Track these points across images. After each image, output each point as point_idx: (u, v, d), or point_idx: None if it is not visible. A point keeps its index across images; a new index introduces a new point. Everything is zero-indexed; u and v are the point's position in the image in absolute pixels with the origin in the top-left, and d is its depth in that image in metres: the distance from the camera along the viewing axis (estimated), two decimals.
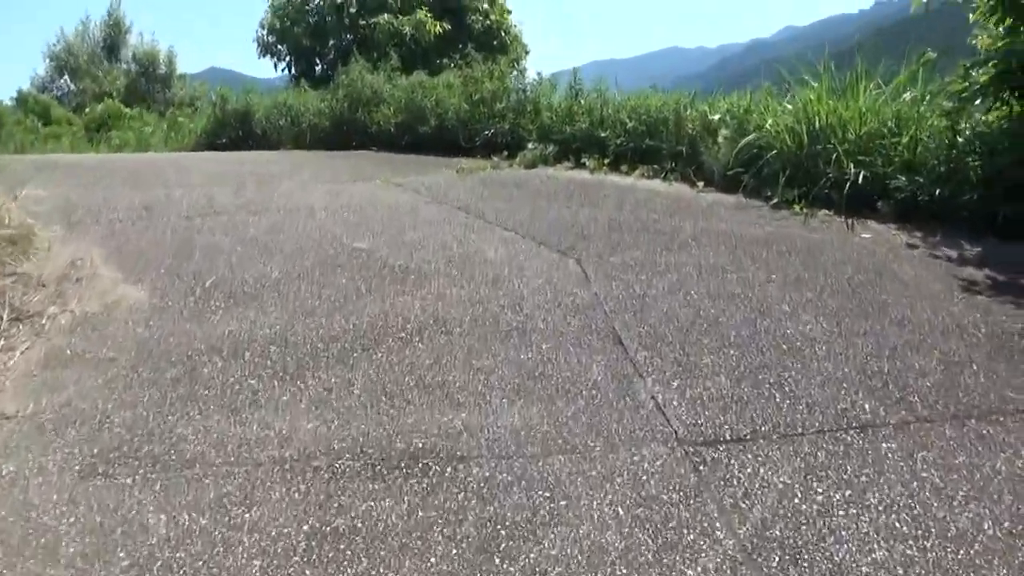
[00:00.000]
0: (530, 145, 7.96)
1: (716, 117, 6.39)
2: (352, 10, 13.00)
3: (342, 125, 10.35)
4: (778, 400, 2.22)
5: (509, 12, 14.77)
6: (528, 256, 3.81)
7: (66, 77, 36.77)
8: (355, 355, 2.54)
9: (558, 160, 7.62)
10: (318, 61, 15.42)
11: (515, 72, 9.88)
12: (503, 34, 14.32)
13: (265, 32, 14.95)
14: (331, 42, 14.04)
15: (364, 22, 13.09)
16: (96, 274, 3.29)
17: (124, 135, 12.65)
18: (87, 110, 19.17)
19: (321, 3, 14.02)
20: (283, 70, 15.62)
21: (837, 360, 2.50)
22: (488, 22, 13.95)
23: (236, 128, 10.86)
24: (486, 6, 13.92)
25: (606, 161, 7.10)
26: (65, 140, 13.89)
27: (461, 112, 8.91)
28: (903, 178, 4.71)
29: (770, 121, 5.59)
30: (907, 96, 5.38)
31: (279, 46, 15.24)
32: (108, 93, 35.47)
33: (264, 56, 15.31)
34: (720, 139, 6.13)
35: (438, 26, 12.40)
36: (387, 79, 10.54)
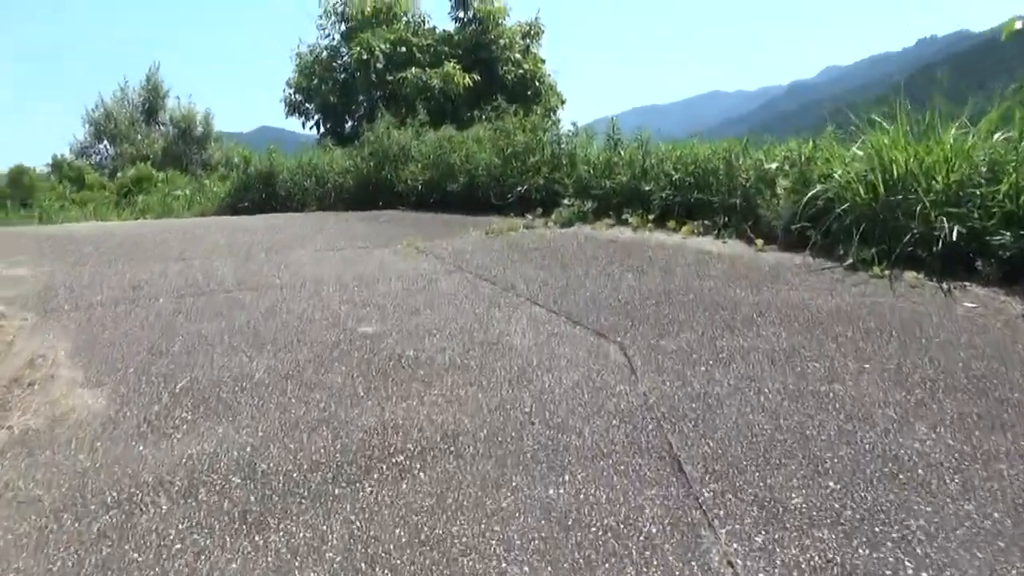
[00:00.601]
0: (566, 201, 7.57)
1: (773, 166, 5.89)
2: (379, 65, 13.06)
3: (368, 184, 10.16)
4: (911, 574, 1.63)
5: (543, 61, 14.69)
6: (561, 341, 3.31)
7: (105, 142, 38.52)
8: (337, 492, 2.05)
9: (597, 217, 7.19)
10: (347, 118, 15.53)
11: (549, 123, 9.58)
12: (537, 84, 14.19)
13: (292, 91, 15.18)
14: (359, 98, 14.11)
15: (391, 77, 13.11)
16: (54, 376, 2.91)
17: (148, 200, 12.76)
18: (119, 175, 19.71)
19: (348, 59, 14.17)
20: (311, 128, 15.78)
21: (981, 501, 1.90)
22: (521, 71, 13.86)
23: (260, 190, 10.78)
24: (518, 56, 13.85)
25: (650, 217, 6.65)
26: (90, 206, 14.12)
27: (492, 167, 8.60)
28: (1007, 233, 4.10)
29: (839, 171, 5.05)
30: (999, 136, 4.79)
31: (306, 104, 15.43)
32: (145, 156, 37.02)
33: (291, 115, 15.52)
34: (779, 190, 5.61)
35: (467, 78, 12.32)
36: (415, 135, 10.37)
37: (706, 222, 6.22)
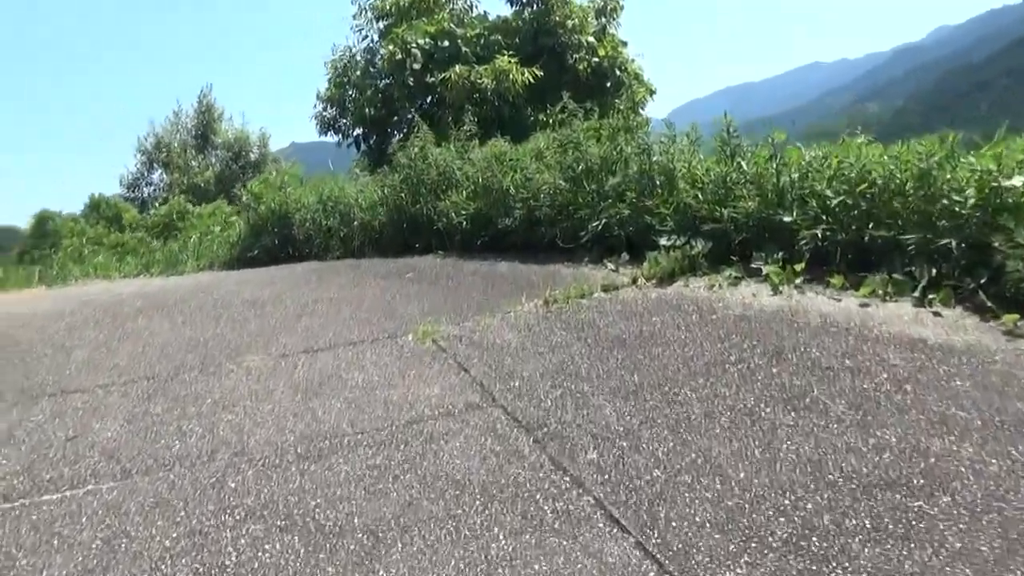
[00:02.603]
0: (664, 241, 5.72)
1: (1018, 183, 3.86)
2: (415, 65, 11.55)
3: (401, 221, 8.63)
4: None
5: (623, 44, 12.80)
6: None
7: (160, 171, 39.34)
8: None
9: (713, 264, 5.33)
10: (393, 132, 14.16)
11: (636, 123, 7.70)
12: (617, 73, 12.32)
13: (324, 105, 13.98)
14: (404, 107, 12.68)
15: (431, 79, 11.61)
16: None
17: (150, 254, 11.75)
18: (151, 211, 19.25)
19: (382, 63, 12.79)
20: (348, 146, 14.53)
21: None
22: (596, 59, 12.02)
23: (273, 234, 9.47)
24: (591, 39, 12.01)
25: (797, 268, 4.71)
26: (102, 256, 13.36)
27: (557, 193, 6.85)
28: None
29: None
30: None
31: (342, 120, 14.20)
32: (196, 185, 37.45)
33: (326, 134, 14.32)
34: None
35: (527, 73, 10.63)
36: (458, 152, 8.76)
37: (895, 276, 4.24)
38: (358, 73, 13.75)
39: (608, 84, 12.26)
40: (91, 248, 17.28)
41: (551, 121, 11.30)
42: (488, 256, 7.24)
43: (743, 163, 5.75)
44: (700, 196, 5.75)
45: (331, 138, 14.64)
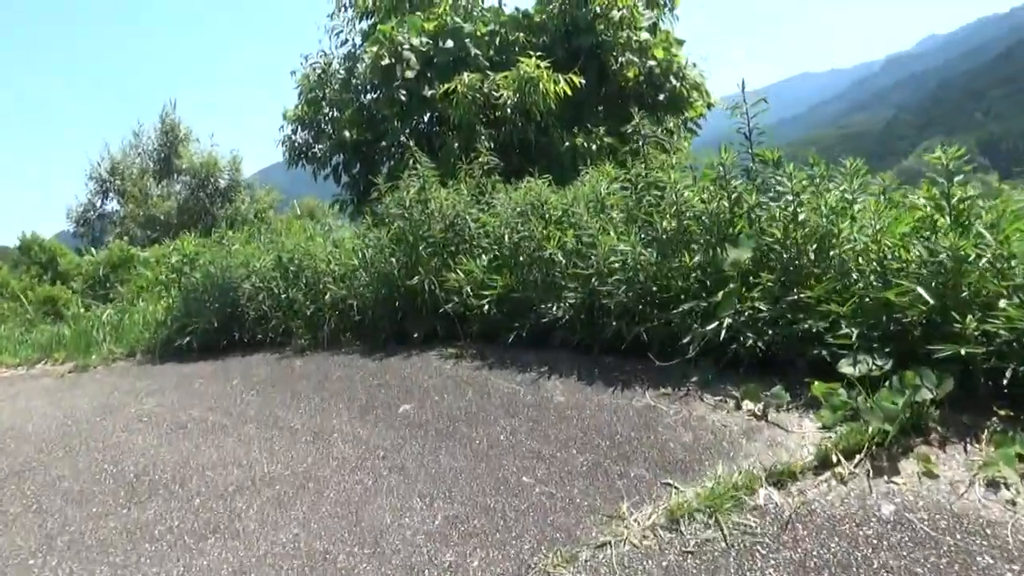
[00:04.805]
0: (849, 367, 3.56)
1: None
2: (409, 73, 9.36)
3: (392, 297, 6.45)
4: None
5: (681, 43, 10.60)
6: None
7: (113, 201, 37.27)
8: None
9: (954, 411, 3.16)
10: (383, 160, 12.00)
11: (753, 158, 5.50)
12: (674, 81, 10.15)
13: (291, 128, 11.85)
14: (395, 127, 10.51)
15: (431, 90, 9.45)
16: None
17: (50, 330, 9.56)
18: (87, 257, 17.11)
19: (364, 72, 10.65)
20: (325, 178, 12.39)
21: None
22: (649, 65, 9.84)
23: (213, 311, 7.26)
24: (645, 37, 9.80)
25: None
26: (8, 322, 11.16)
27: (637, 268, 4.69)
28: None
29: None
30: None
31: (316, 145, 12.06)
32: (157, 217, 35.40)
33: (295, 165, 12.17)
34: None
35: (561, 82, 8.48)
36: (474, 196, 6.61)
37: None
38: (336, 86, 11.64)
39: (661, 97, 10.11)
40: (8, 305, 15.12)
41: (593, 148, 9.22)
42: (527, 365, 5.05)
43: (985, 233, 3.57)
44: (901, 286, 3.57)
45: (304, 168, 12.51)
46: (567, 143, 8.99)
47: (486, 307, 5.57)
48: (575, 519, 2.96)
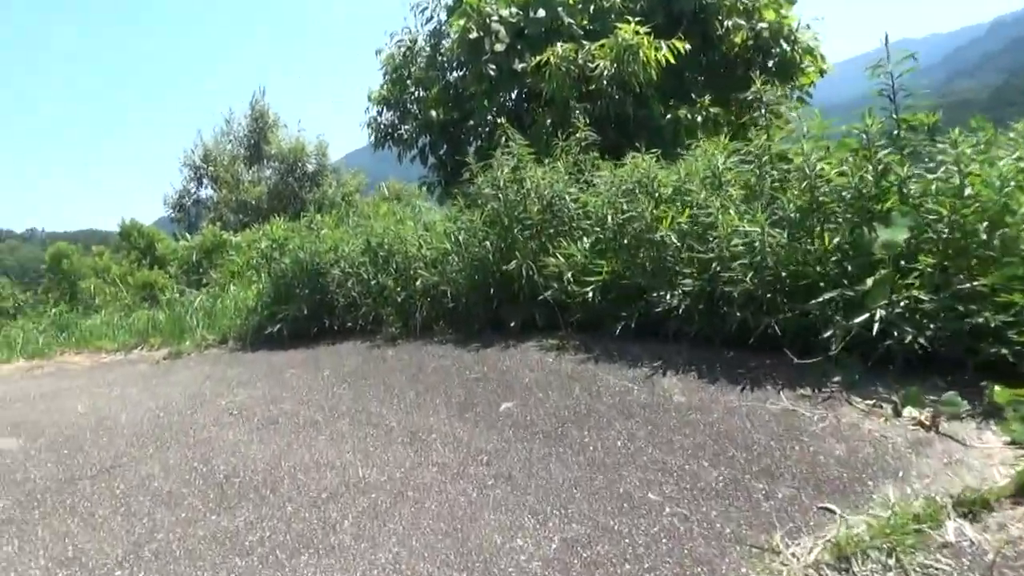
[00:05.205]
0: None
1: None
2: (498, 46, 8.95)
3: (486, 283, 6.13)
4: None
5: (792, 1, 9.82)
6: None
7: (207, 187, 38.35)
8: None
9: None
10: (470, 140, 11.67)
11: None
12: (784, 46, 9.41)
13: (376, 110, 11.65)
14: (484, 105, 10.13)
15: (521, 64, 9.03)
16: None
17: (147, 315, 9.58)
18: (182, 243, 17.47)
19: (451, 47, 10.30)
20: (412, 159, 12.16)
21: None
22: (759, 28, 9.14)
23: (303, 297, 7.11)
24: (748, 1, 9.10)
25: None
26: (103, 314, 11.37)
27: (765, 252, 4.20)
28: None
29: None
30: None
31: (402, 126, 11.84)
32: (248, 203, 36.33)
33: (382, 145, 11.98)
34: None
35: (664, 50, 7.91)
36: (571, 174, 6.20)
37: None
38: (421, 64, 11.37)
39: (771, 64, 9.41)
40: (109, 290, 15.58)
41: (697, 120, 8.65)
42: (637, 359, 4.63)
43: None
44: None
45: (390, 150, 12.31)
46: (668, 116, 8.44)
47: (589, 294, 5.17)
48: (717, 549, 2.54)
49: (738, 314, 4.32)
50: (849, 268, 3.98)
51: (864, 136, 4.12)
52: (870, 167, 4.10)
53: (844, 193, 4.12)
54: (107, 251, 21.09)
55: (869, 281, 3.72)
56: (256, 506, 3.36)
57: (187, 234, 19.79)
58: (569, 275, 5.36)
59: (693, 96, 8.62)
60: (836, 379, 3.77)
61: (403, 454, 3.73)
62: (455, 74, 11.42)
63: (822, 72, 10.33)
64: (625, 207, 5.26)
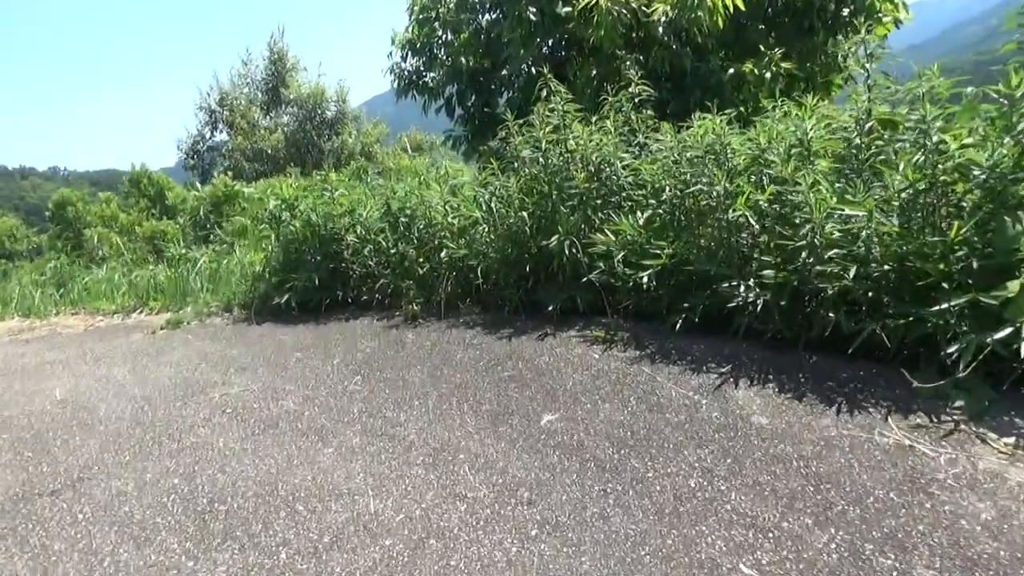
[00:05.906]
0: None
1: None
2: None
3: (523, 260, 5.46)
4: None
5: None
6: None
7: (223, 132, 37.62)
8: None
9: None
10: (502, 91, 10.86)
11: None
12: None
13: (404, 54, 10.82)
14: (520, 53, 9.31)
15: (564, 7, 8.18)
16: None
17: (149, 272, 8.96)
18: (193, 193, 16.87)
19: None
20: (438, 110, 11.39)
21: None
22: None
23: (313, 267, 6.48)
24: None
25: None
26: (105, 269, 10.82)
27: (873, 241, 3.50)
28: None
29: None
30: None
31: (428, 74, 11.03)
32: (264, 151, 35.73)
33: (404, 96, 11.19)
34: None
35: None
36: (622, 137, 5.46)
37: None
38: (451, 5, 10.52)
39: (845, 12, 8.47)
40: (116, 239, 15.08)
41: (767, 75, 7.81)
42: (701, 361, 3.98)
43: None
44: None
45: (413, 99, 11.54)
46: (731, 70, 7.62)
47: (644, 279, 4.48)
48: None
49: (831, 315, 3.63)
50: (976, 266, 3.26)
51: (1004, 101, 3.37)
52: (1008, 140, 3.36)
53: (976, 172, 3.38)
54: (115, 199, 20.56)
55: (1013, 286, 3.01)
56: (243, 549, 2.76)
57: (198, 183, 19.23)
58: (620, 255, 4.67)
59: (761, 48, 7.75)
60: (957, 404, 3.10)
61: (424, 481, 3.11)
62: (488, 16, 10.58)
63: (897, 22, 9.37)
64: (690, 177, 4.55)
